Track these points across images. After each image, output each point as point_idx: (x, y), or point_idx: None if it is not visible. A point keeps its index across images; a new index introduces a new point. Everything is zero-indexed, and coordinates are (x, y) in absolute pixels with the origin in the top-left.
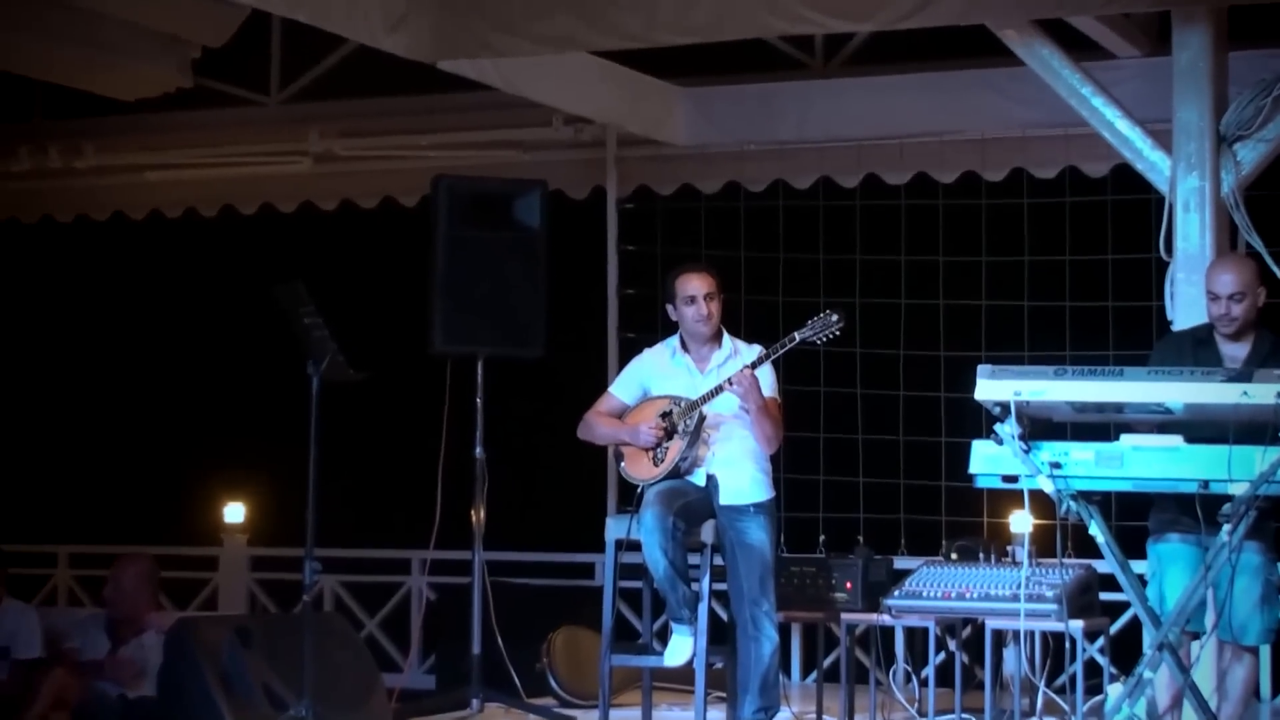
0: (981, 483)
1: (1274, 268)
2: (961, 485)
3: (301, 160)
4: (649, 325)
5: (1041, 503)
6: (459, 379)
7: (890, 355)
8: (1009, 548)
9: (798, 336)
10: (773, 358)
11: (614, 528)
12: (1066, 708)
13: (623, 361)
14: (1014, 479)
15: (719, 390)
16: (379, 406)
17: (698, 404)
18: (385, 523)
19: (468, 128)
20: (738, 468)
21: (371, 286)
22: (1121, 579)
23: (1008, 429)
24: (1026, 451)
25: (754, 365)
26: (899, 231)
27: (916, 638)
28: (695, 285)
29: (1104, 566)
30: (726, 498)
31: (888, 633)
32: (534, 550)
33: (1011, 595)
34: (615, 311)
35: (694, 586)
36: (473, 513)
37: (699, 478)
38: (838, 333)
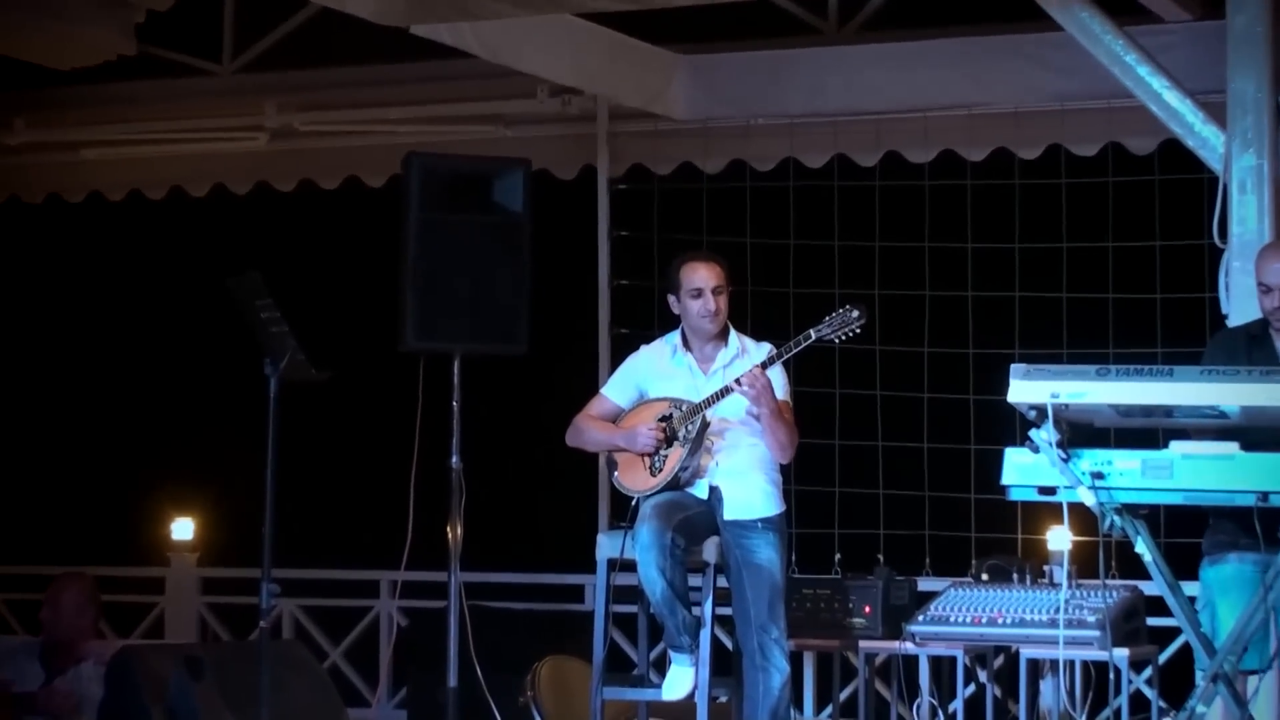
0: (1015, 495)
1: None
2: (993, 498)
3: (257, 136)
4: (645, 320)
5: (1082, 517)
6: (433, 379)
7: (913, 353)
8: (1046, 568)
9: (813, 335)
10: (785, 358)
11: (606, 545)
12: None
13: (616, 360)
14: (1051, 491)
15: (725, 392)
16: (344, 410)
17: (701, 408)
18: (351, 540)
19: (442, 100)
20: (744, 479)
21: (336, 276)
22: (1171, 602)
23: (1044, 435)
24: (1065, 460)
25: (766, 364)
26: (923, 215)
27: (943, 668)
28: (703, 276)
29: (1151, 588)
30: (732, 512)
31: (911, 662)
32: (517, 571)
33: (1049, 620)
34: (607, 304)
35: (695, 611)
36: (448, 529)
37: (701, 490)
38: (858, 330)
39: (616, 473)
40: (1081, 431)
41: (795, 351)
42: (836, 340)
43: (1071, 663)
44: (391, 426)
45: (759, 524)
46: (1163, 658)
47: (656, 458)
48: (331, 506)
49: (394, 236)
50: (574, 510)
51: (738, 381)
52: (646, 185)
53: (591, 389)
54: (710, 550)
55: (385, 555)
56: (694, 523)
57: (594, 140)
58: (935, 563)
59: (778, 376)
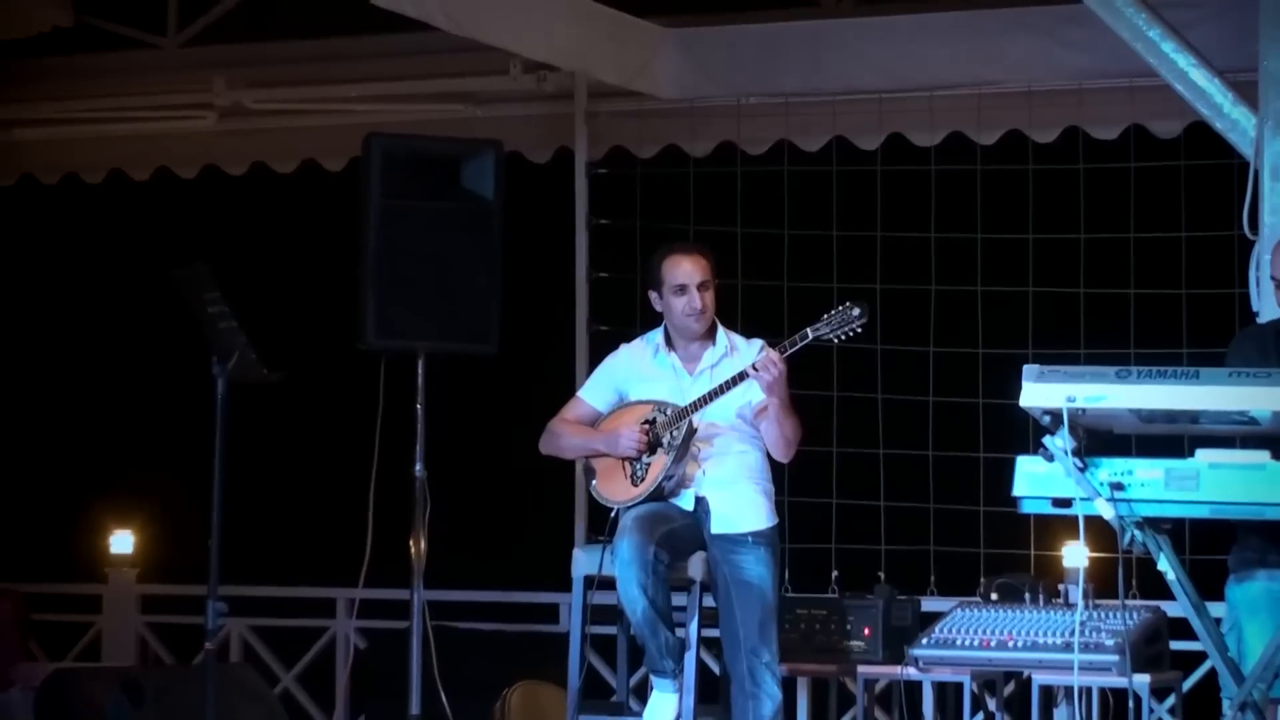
0: (1027, 507)
1: None
2: (1003, 511)
3: (204, 115)
4: (626, 316)
5: (1100, 532)
6: (395, 381)
7: (917, 353)
8: (1061, 586)
9: (810, 334)
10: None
11: (583, 561)
12: None
13: (594, 360)
14: (1067, 503)
15: (713, 395)
16: (298, 414)
17: (687, 412)
18: (305, 555)
19: (406, 76)
20: (733, 489)
21: (290, 268)
22: (1196, 624)
23: (1059, 443)
24: (1082, 470)
25: (784, 349)
26: (928, 203)
27: (949, 695)
28: (688, 270)
29: (1175, 609)
30: (719, 525)
31: (914, 688)
32: (485, 588)
33: (1064, 644)
34: (585, 299)
35: (679, 632)
36: (411, 543)
37: (686, 500)
38: (859, 329)
39: (595, 482)
40: (1100, 438)
41: (790, 352)
42: (836, 340)
43: (1088, 690)
44: (350, 431)
45: (749, 538)
46: (1187, 685)
47: (638, 466)
48: (284, 518)
49: (353, 225)
50: (548, 523)
51: (753, 366)
52: (628, 170)
53: (567, 391)
54: (696, 566)
55: (342, 571)
56: (679, 536)
57: (571, 120)
58: (940, 581)
59: None
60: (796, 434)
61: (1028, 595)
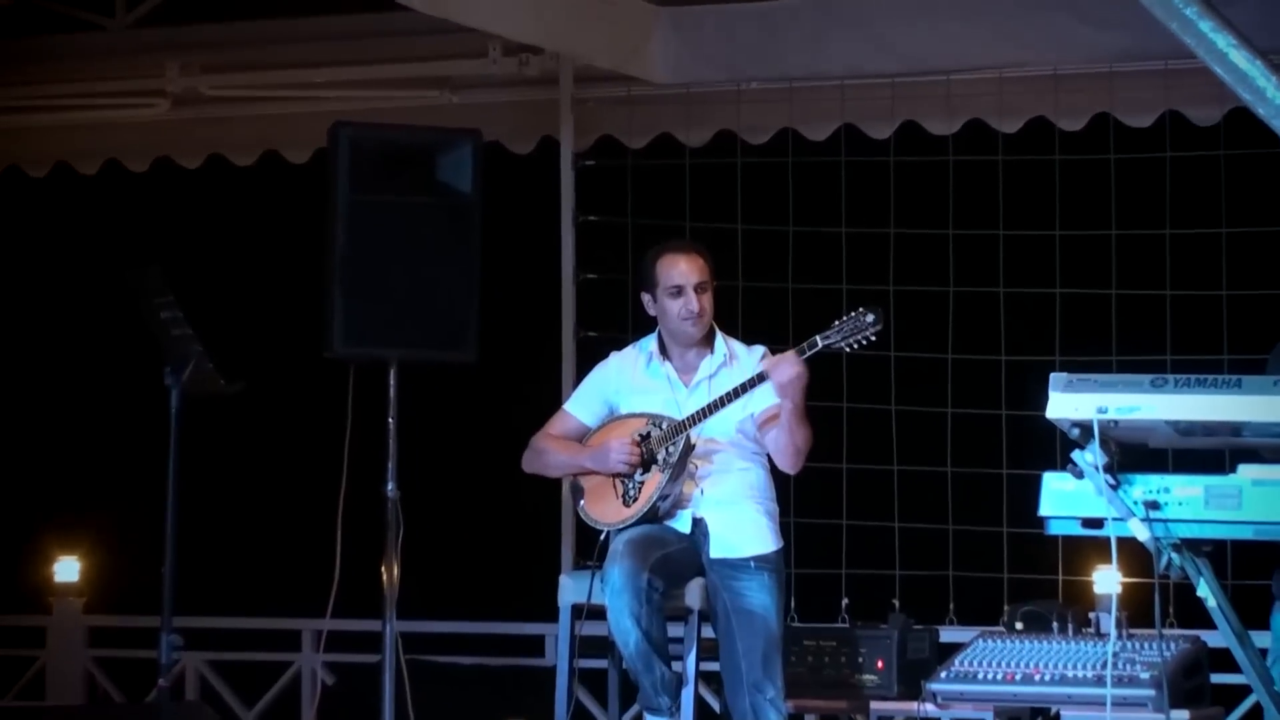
0: (1055, 528)
1: None
2: (1029, 532)
3: (156, 103)
4: (616, 322)
5: (1134, 555)
6: (365, 392)
7: (934, 360)
8: (1091, 615)
9: (820, 342)
10: None
11: (570, 588)
12: None
13: (582, 369)
14: (1098, 524)
15: (716, 407)
16: (259, 429)
17: (684, 426)
18: (267, 583)
19: (376, 60)
20: (734, 509)
21: (250, 270)
22: (1239, 655)
23: (1089, 458)
24: (1114, 487)
25: (802, 350)
26: (946, 197)
27: None
28: (684, 271)
29: (1216, 639)
30: (719, 549)
31: None
32: (464, 619)
33: (1095, 677)
34: (572, 303)
35: (676, 666)
36: (383, 569)
37: (683, 522)
38: (873, 337)
39: (583, 502)
40: (1134, 453)
41: None
42: (847, 348)
43: None
44: (316, 448)
45: (751, 563)
46: None
47: (630, 485)
48: (244, 543)
49: (319, 222)
50: (532, 547)
51: (770, 358)
52: (618, 161)
53: (552, 404)
54: (694, 594)
55: (308, 600)
56: (675, 561)
57: (555, 108)
58: (960, 609)
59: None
60: (808, 443)
61: (1055, 624)
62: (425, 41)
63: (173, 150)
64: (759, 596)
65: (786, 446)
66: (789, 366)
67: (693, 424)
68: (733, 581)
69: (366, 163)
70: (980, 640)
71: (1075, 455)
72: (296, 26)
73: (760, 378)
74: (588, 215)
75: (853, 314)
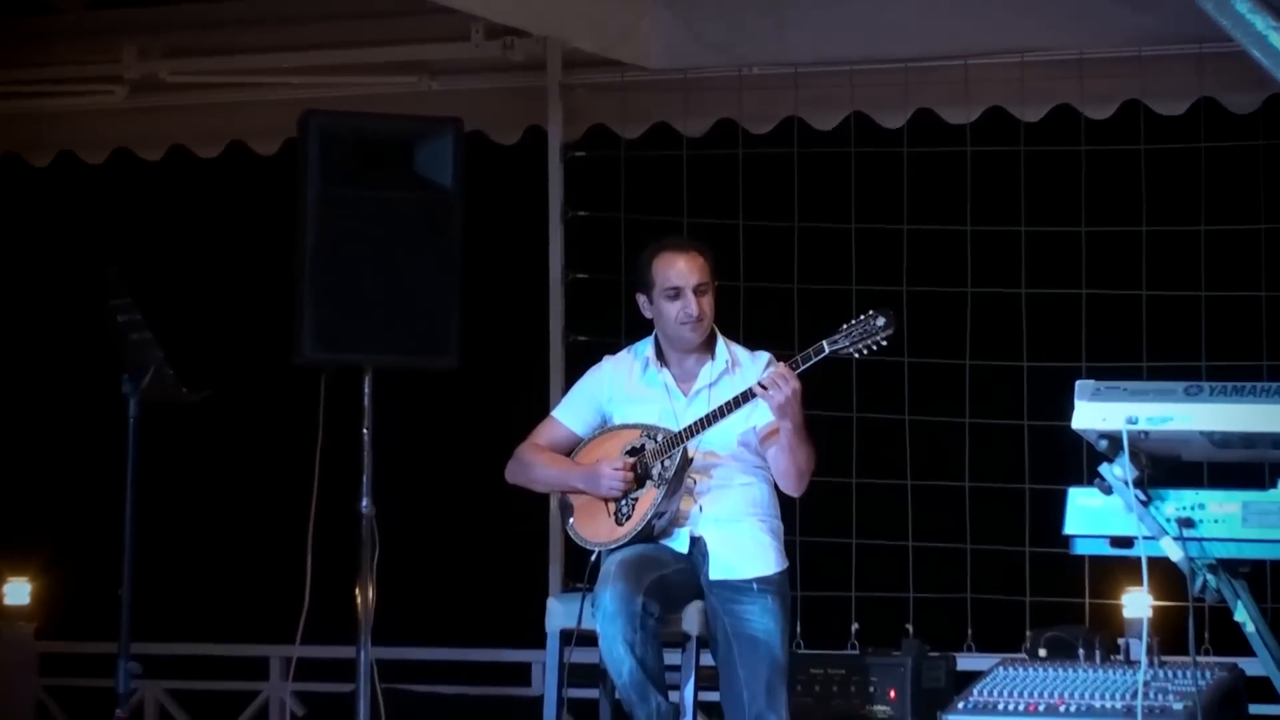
0: (1081, 548)
1: None
2: (1053, 552)
3: (113, 90)
4: (608, 325)
5: (1167, 576)
6: (338, 401)
7: (950, 366)
8: (1120, 641)
9: (827, 348)
10: (797, 373)
11: (559, 613)
12: None
13: (572, 376)
14: (1128, 543)
15: (716, 418)
16: (224, 440)
17: (681, 438)
18: (233, 606)
19: (349, 43)
20: (735, 528)
21: (214, 270)
22: None
23: (1118, 472)
24: (1145, 503)
25: (796, 364)
26: (963, 190)
27: None
28: (681, 270)
29: (1255, 667)
30: (719, 570)
31: None
32: (445, 645)
33: (1125, 708)
34: (560, 305)
35: (673, 697)
36: (357, 591)
37: (680, 542)
38: (884, 342)
39: (572, 520)
40: (1166, 467)
41: (804, 369)
42: (856, 355)
43: None
44: (285, 461)
45: (754, 585)
46: None
47: (624, 501)
48: (208, 563)
49: (288, 218)
50: (518, 568)
51: (760, 384)
52: (610, 152)
53: (540, 413)
54: (692, 619)
55: (276, 625)
56: (671, 584)
57: (543, 95)
58: (979, 635)
59: None
60: (810, 464)
61: (1082, 651)
62: (402, 23)
63: (131, 141)
64: (762, 621)
65: (788, 469)
66: (784, 385)
67: (690, 436)
68: (734, 605)
69: (339, 154)
70: (1001, 668)
71: (1103, 469)
72: (263, 7)
73: (746, 396)
74: (577, 210)
75: (862, 317)
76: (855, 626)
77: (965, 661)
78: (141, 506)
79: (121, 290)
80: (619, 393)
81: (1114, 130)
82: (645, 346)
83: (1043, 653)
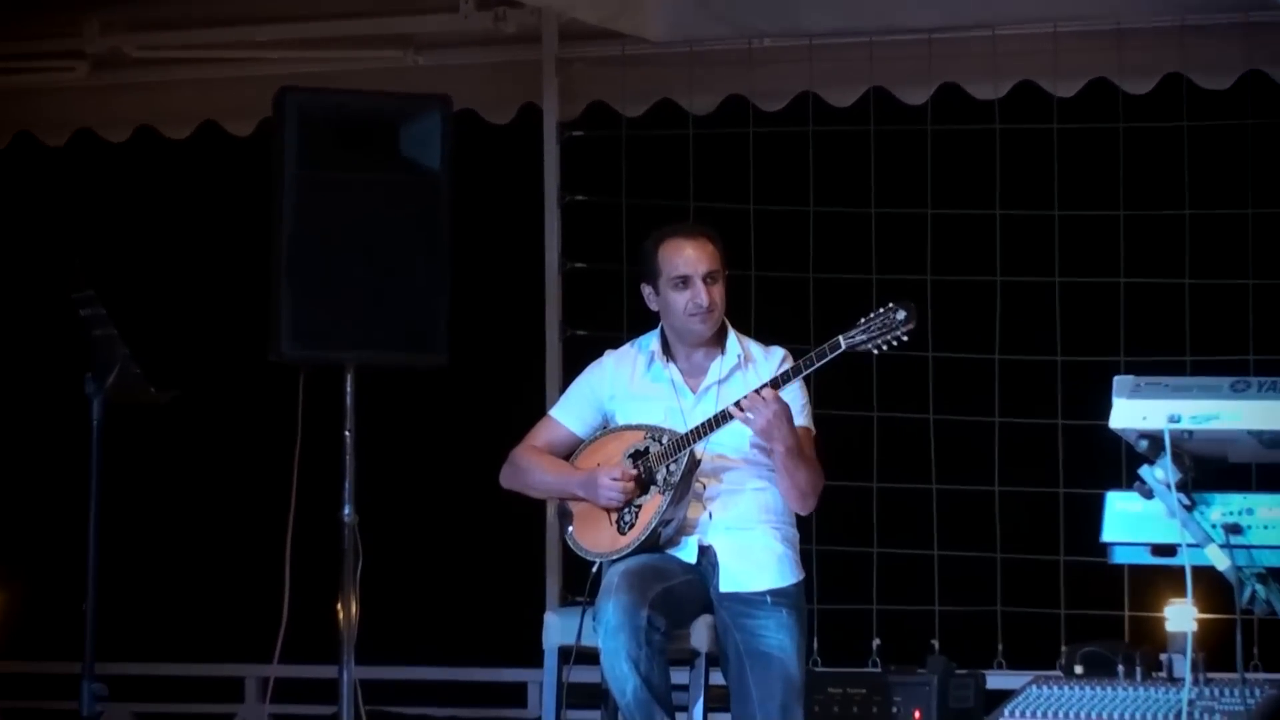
0: (1120, 557)
1: None
2: (1090, 561)
3: (75, 66)
4: (608, 317)
5: (1213, 586)
6: (318, 401)
7: (978, 361)
8: (1163, 657)
9: (844, 344)
10: (807, 373)
11: (557, 628)
12: None
13: (570, 372)
14: (1170, 551)
15: (723, 419)
16: (195, 443)
17: (688, 440)
18: (206, 623)
19: (329, 16)
20: (748, 536)
21: (184, 260)
22: None
23: (1160, 474)
24: (1189, 508)
25: (776, 383)
26: (992, 170)
27: None
28: (689, 258)
29: None
30: (730, 582)
31: None
32: (435, 664)
33: None
34: (557, 296)
35: (680, 718)
36: (339, 607)
37: (689, 551)
38: (905, 337)
39: (571, 528)
40: (1212, 469)
41: (819, 366)
42: (875, 350)
43: None
44: (260, 465)
45: (767, 598)
46: None
47: (627, 509)
48: (178, 577)
49: (264, 204)
50: (513, 580)
51: (737, 405)
52: (611, 132)
53: (536, 413)
54: (700, 635)
55: (252, 643)
56: (678, 597)
57: (538, 70)
58: (1010, 650)
59: (796, 396)
60: (813, 483)
61: (1121, 668)
62: None
63: (94, 121)
64: (777, 637)
65: (788, 490)
66: (763, 407)
67: (698, 438)
68: (746, 619)
69: (318, 135)
70: (1034, 687)
71: (1143, 471)
72: None
73: (724, 416)
74: (575, 195)
75: (882, 310)
76: (876, 642)
77: (995, 680)
78: (106, 515)
79: (84, 283)
80: (621, 390)
81: (1154, 106)
82: (650, 340)
83: (1079, 670)
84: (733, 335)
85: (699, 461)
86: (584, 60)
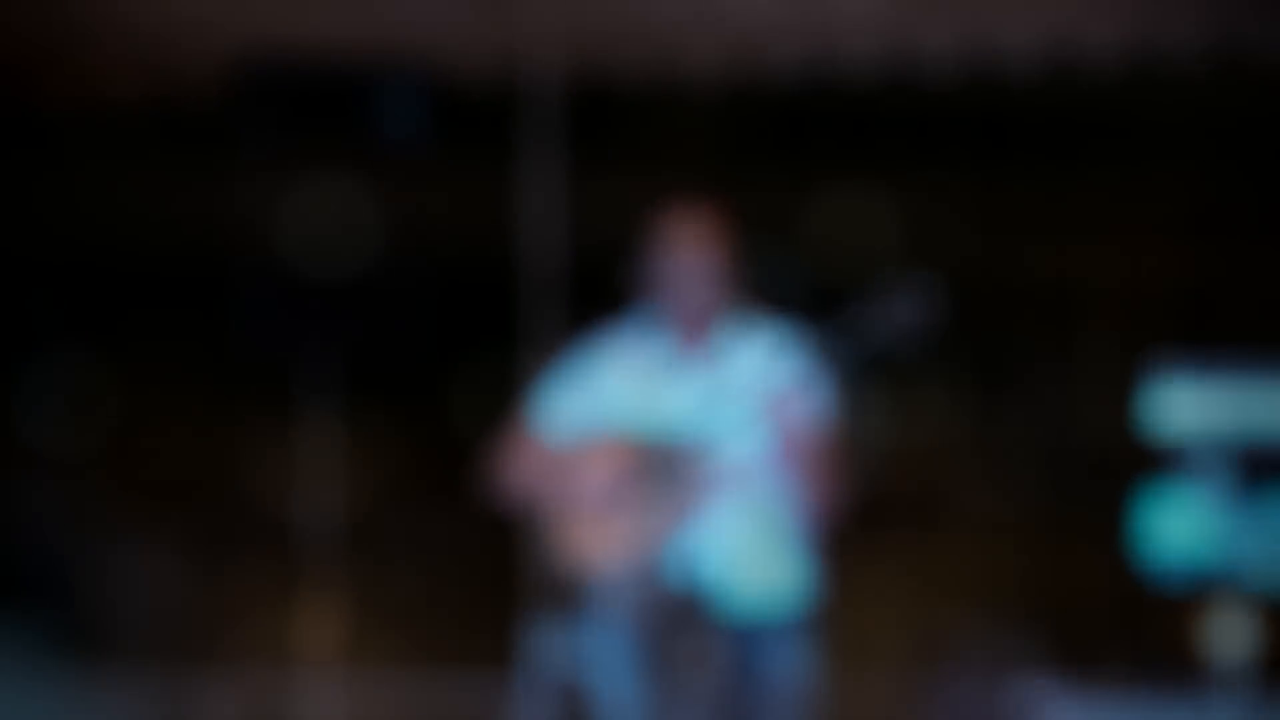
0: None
1: None
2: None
3: None
4: (600, 299)
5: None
6: (277, 400)
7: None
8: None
9: (854, 330)
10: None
11: (539, 646)
12: None
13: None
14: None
15: (729, 419)
16: (146, 444)
17: (687, 443)
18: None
19: None
20: (754, 555)
21: (128, 247)
22: None
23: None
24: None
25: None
26: (1020, 129)
27: None
28: (690, 232)
29: None
30: (734, 606)
31: None
32: (407, 679)
33: None
34: (544, 279)
35: None
36: (298, 620)
37: (685, 569)
38: (922, 320)
39: (556, 539)
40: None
41: (824, 364)
42: (893, 329)
43: None
44: (215, 468)
45: (775, 624)
46: None
47: (618, 519)
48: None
49: (219, 182)
50: (490, 597)
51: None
52: (604, 97)
53: (518, 406)
54: (698, 661)
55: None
56: (676, 618)
57: (522, 30)
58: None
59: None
60: (826, 492)
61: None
62: None
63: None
64: (787, 665)
65: (804, 504)
66: (792, 406)
67: (697, 440)
68: (751, 647)
69: (280, 105)
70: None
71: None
72: None
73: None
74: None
75: (897, 284)
76: None
77: None
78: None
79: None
80: (611, 375)
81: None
82: (645, 320)
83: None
84: (736, 314)
85: (700, 467)
86: (573, 17)
